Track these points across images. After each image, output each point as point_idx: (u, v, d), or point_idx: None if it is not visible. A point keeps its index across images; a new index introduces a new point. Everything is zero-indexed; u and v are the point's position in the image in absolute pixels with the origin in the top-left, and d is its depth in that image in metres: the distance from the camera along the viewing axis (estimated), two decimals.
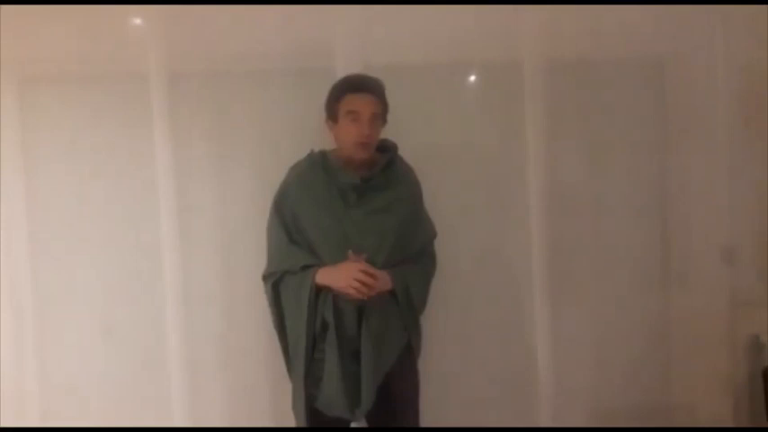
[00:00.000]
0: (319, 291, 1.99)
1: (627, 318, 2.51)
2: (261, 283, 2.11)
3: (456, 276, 2.36)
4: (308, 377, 2.01)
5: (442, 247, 2.24)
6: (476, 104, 2.45)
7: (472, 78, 2.46)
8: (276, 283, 2.06)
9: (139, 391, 2.34)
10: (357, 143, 2.00)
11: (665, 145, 2.54)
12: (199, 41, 2.30)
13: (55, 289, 2.32)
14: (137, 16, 2.27)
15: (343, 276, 1.94)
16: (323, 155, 2.10)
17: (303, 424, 2.02)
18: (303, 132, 2.19)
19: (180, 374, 2.32)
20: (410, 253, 2.10)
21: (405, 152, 2.19)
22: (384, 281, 1.99)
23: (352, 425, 2.10)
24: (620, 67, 2.51)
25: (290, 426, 2.09)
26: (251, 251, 2.22)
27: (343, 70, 2.22)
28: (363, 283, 1.93)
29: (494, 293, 2.45)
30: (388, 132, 2.15)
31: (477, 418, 2.42)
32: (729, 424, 2.49)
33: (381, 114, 2.05)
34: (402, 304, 2.05)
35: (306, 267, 2.00)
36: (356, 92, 2.01)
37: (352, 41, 2.30)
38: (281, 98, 2.33)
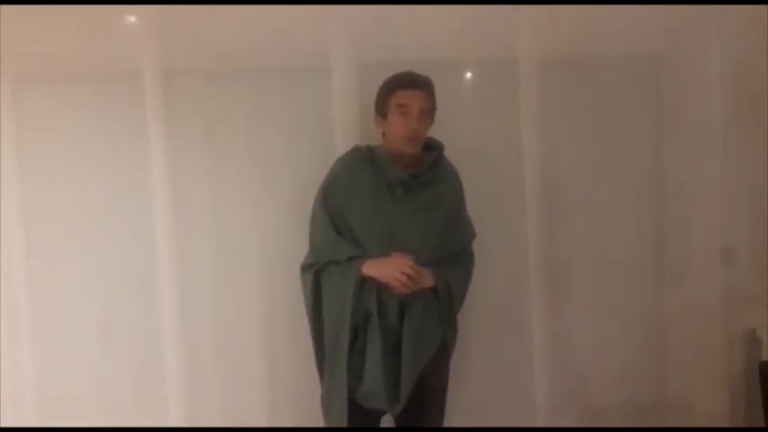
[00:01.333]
0: (364, 282, 2.01)
1: (623, 314, 2.52)
2: (257, 281, 2.12)
3: None
4: (349, 370, 2.02)
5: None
6: (472, 102, 2.45)
7: (468, 76, 2.46)
8: (318, 273, 2.07)
9: (135, 389, 2.34)
10: (405, 137, 2.04)
11: (660, 142, 2.54)
12: (194, 39, 2.29)
13: (50, 288, 2.32)
14: (131, 14, 2.26)
15: (392, 269, 1.98)
16: (370, 149, 2.13)
17: (339, 416, 2.02)
18: (299, 130, 2.19)
19: (176, 373, 2.31)
20: (451, 251, 2.13)
21: None
22: (427, 278, 2.03)
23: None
24: (617, 64, 2.51)
25: (287, 424, 2.09)
26: (247, 249, 2.22)
27: (338, 68, 2.22)
28: (409, 277, 1.95)
29: (489, 290, 2.43)
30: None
31: (473, 415, 2.42)
32: (726, 419, 2.50)
33: (430, 111, 2.09)
34: (442, 301, 2.08)
35: (351, 259, 2.02)
36: (407, 88, 2.05)
37: (347, 39, 2.30)
38: (277, 96, 2.33)
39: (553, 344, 2.45)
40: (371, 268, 2.00)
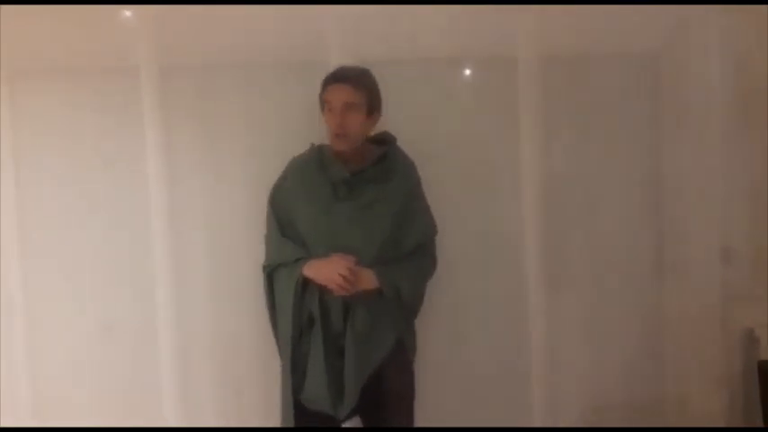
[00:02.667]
0: (307, 284, 1.99)
1: (621, 312, 2.51)
2: (253, 278, 2.11)
3: (450, 271, 2.34)
4: (296, 370, 2.00)
5: (436, 241, 2.23)
6: (470, 99, 2.44)
7: (467, 73, 2.45)
8: (270, 275, 2.07)
9: (130, 388, 2.33)
10: (333, 134, 2.00)
11: (659, 140, 2.53)
12: (190, 34, 2.29)
13: (45, 286, 2.31)
14: (127, 9, 2.24)
15: (329, 270, 1.94)
16: (319, 149, 2.10)
17: (288, 415, 2.00)
18: (296, 126, 2.18)
19: (171, 371, 2.31)
20: (404, 249, 2.07)
21: (399, 146, 2.18)
22: (368, 279, 1.98)
23: (347, 424, 2.08)
24: (615, 62, 2.51)
25: (281, 424, 2.08)
26: (243, 246, 2.21)
27: (337, 64, 2.20)
28: (345, 279, 1.92)
29: (488, 288, 2.44)
30: (381, 125, 2.14)
31: (471, 414, 2.42)
32: (724, 418, 2.49)
33: (360, 105, 2.00)
34: (391, 303, 2.02)
35: (298, 260, 2.00)
36: (333, 83, 2.01)
37: (346, 36, 2.29)
38: (274, 92, 2.32)
39: (551, 343, 2.44)
40: (311, 270, 1.97)
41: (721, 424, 2.48)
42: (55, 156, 2.29)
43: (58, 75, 2.29)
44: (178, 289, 2.30)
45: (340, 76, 2.01)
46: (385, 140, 2.12)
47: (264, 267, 2.10)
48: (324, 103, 2.02)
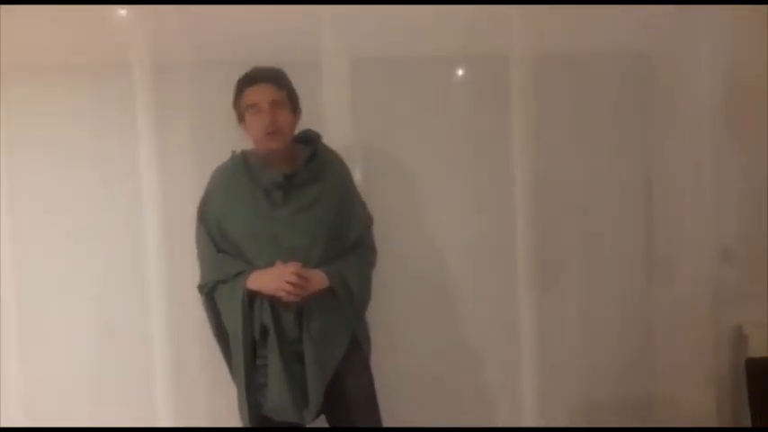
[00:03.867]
0: (254, 296, 1.94)
1: (612, 310, 2.53)
2: None
3: (440, 271, 2.38)
4: (252, 385, 1.96)
5: (426, 240, 2.25)
6: (462, 98, 2.45)
7: (459, 72, 2.46)
8: (210, 293, 2.01)
9: (123, 389, 2.32)
10: (264, 134, 1.94)
11: (650, 139, 2.55)
12: (183, 32, 2.29)
13: (37, 285, 2.30)
14: (121, 8, 2.24)
15: (274, 279, 1.89)
16: (244, 155, 2.04)
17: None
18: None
19: (164, 371, 2.31)
20: (346, 244, 2.04)
21: (391, 146, 2.18)
22: (318, 280, 1.94)
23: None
24: (607, 62, 2.52)
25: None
26: None
27: (328, 63, 2.22)
28: (295, 286, 1.87)
29: (479, 288, 2.45)
30: (372, 124, 2.17)
31: (461, 412, 2.43)
32: (713, 415, 2.51)
33: (286, 102, 1.98)
34: (342, 299, 1.99)
35: (238, 275, 1.94)
36: (252, 84, 1.97)
37: (338, 35, 2.30)
38: None
39: (541, 341, 2.45)
40: (256, 281, 1.91)
41: (711, 421, 2.51)
42: (47, 153, 2.28)
43: (51, 72, 2.28)
44: (172, 289, 2.30)
45: (259, 77, 1.97)
46: (310, 138, 2.07)
47: (201, 287, 2.03)
48: (246, 107, 1.97)
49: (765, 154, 2.58)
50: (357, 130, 2.22)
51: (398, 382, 2.25)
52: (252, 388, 1.96)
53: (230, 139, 2.29)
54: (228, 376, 2.29)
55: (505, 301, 2.46)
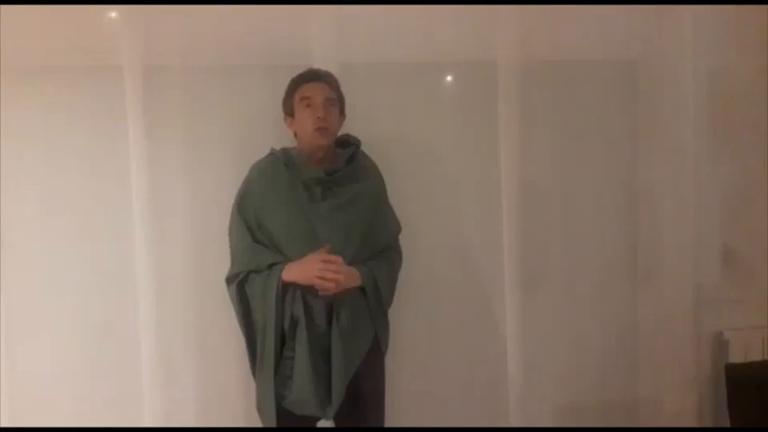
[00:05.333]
0: (287, 287, 1.98)
1: (595, 315, 2.56)
2: None
3: (427, 274, 2.39)
4: (277, 376, 2.00)
5: (413, 243, 2.26)
6: (450, 103, 2.47)
7: (447, 78, 2.48)
8: (241, 283, 2.04)
9: (110, 390, 2.32)
10: (314, 128, 2.01)
11: (634, 145, 2.58)
12: (175, 35, 2.28)
13: (25, 288, 2.29)
14: (112, 9, 2.24)
15: (308, 269, 1.94)
16: (285, 151, 2.11)
17: (271, 424, 2.00)
18: (279, 129, 2.18)
19: (152, 373, 2.29)
20: (377, 248, 2.10)
21: (379, 149, 2.20)
22: (352, 276, 1.99)
23: (322, 423, 2.10)
24: (593, 68, 2.56)
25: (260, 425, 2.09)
26: (226, 248, 2.20)
27: (319, 67, 2.21)
28: (328, 270, 1.91)
29: (465, 291, 2.48)
30: (362, 129, 2.17)
31: (446, 414, 2.44)
32: (694, 419, 2.54)
33: (336, 102, 2.08)
34: (370, 300, 2.05)
35: (272, 266, 1.99)
36: (308, 82, 2.07)
37: (328, 39, 2.30)
38: (257, 94, 2.32)
39: (526, 344, 2.46)
40: (291, 273, 1.96)
41: (691, 424, 2.53)
42: (38, 155, 2.27)
43: (42, 74, 2.27)
44: (160, 289, 2.29)
45: (316, 76, 2.08)
46: (350, 142, 2.15)
47: (231, 277, 2.06)
48: (299, 100, 2.04)
49: (749, 161, 2.62)
50: (346, 131, 2.22)
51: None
52: (277, 380, 1.99)
53: (221, 141, 2.32)
54: (215, 376, 2.33)
55: (491, 304, 2.48)
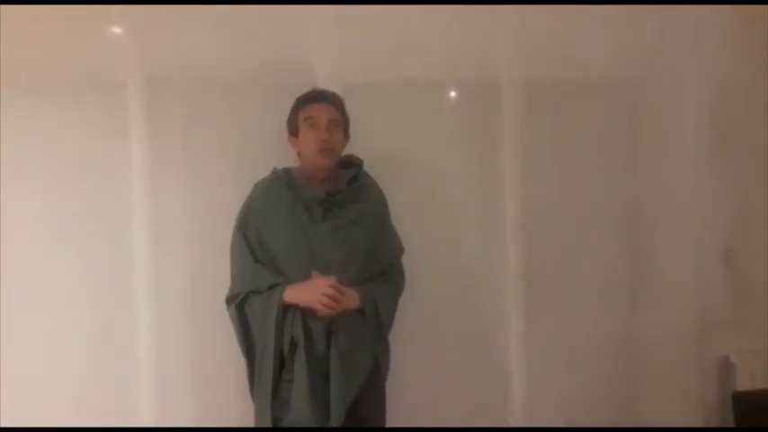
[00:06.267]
0: (287, 309, 1.96)
1: (598, 337, 2.53)
2: None
3: (429, 294, 2.36)
4: (275, 399, 1.97)
5: (416, 263, 2.24)
6: (453, 122, 2.45)
7: (450, 97, 2.47)
8: (241, 304, 2.02)
9: (107, 407, 2.28)
10: (318, 149, 2.00)
11: (637, 165, 2.57)
12: (178, 52, 2.28)
13: (24, 300, 2.26)
14: (115, 25, 2.24)
15: (312, 292, 1.92)
16: (287, 171, 2.10)
17: None
18: (281, 146, 2.17)
19: (150, 392, 2.28)
20: (378, 269, 2.09)
21: (381, 169, 2.19)
22: (352, 298, 1.97)
23: None
24: (595, 88, 2.55)
25: None
26: (226, 264, 2.18)
27: (321, 86, 2.20)
28: (331, 299, 1.91)
29: (467, 312, 2.45)
30: (364, 149, 2.16)
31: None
32: None
33: (341, 123, 2.07)
34: (370, 322, 2.03)
35: (273, 287, 1.97)
36: (313, 102, 2.06)
37: (330, 58, 2.31)
38: (259, 112, 2.31)
39: (527, 365, 2.45)
40: (293, 294, 1.95)
41: None
42: (38, 170, 2.26)
43: (45, 88, 2.26)
44: (160, 307, 2.28)
45: (321, 97, 2.07)
46: (353, 162, 2.14)
47: (231, 298, 2.05)
48: (303, 120, 2.04)
49: (750, 181, 2.61)
50: (347, 153, 2.21)
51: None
52: (275, 402, 1.97)
53: (223, 158, 2.31)
54: (217, 396, 2.31)
55: (493, 325, 2.46)
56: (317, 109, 2.04)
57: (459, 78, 2.45)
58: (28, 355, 2.27)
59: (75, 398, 2.28)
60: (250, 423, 2.08)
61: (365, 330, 2.02)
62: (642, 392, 2.56)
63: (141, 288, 2.27)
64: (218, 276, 2.11)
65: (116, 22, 2.23)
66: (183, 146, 2.30)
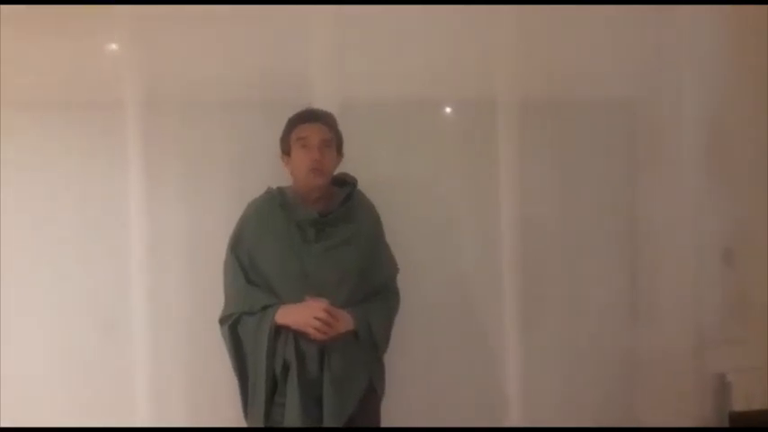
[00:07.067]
0: (279, 331, 1.95)
1: (595, 355, 2.52)
2: None
3: (426, 310, 2.36)
4: (268, 421, 1.96)
5: (413, 279, 2.24)
6: (449, 141, 2.46)
7: (447, 114, 2.48)
8: (234, 325, 2.01)
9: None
10: (309, 168, 2.00)
11: (635, 184, 2.57)
12: (175, 70, 2.30)
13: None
14: (112, 42, 2.26)
15: (305, 315, 1.92)
16: (280, 191, 2.09)
17: None
18: (278, 164, 2.17)
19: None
20: (372, 289, 2.07)
21: (378, 186, 2.20)
22: (345, 321, 1.96)
23: None
24: (593, 106, 2.55)
25: None
26: (221, 283, 2.19)
27: (319, 104, 2.22)
28: (324, 323, 1.90)
29: (463, 330, 2.44)
30: (361, 167, 2.17)
31: None
32: None
33: (333, 143, 2.06)
34: (364, 344, 2.01)
35: (266, 308, 1.96)
36: (305, 122, 2.05)
37: (328, 76, 2.32)
38: (257, 130, 2.31)
39: (525, 384, 2.44)
40: (285, 315, 1.93)
41: None
42: (35, 188, 2.26)
43: (42, 106, 2.27)
44: (155, 328, 2.28)
45: (313, 116, 2.07)
46: (346, 181, 2.13)
47: (224, 318, 2.04)
48: (296, 140, 2.03)
49: (748, 200, 2.61)
50: (343, 171, 2.21)
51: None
52: (267, 425, 1.96)
53: (220, 175, 2.32)
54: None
55: (490, 343, 2.45)
56: (310, 129, 2.03)
57: (457, 96, 2.45)
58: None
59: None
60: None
61: (359, 352, 2.01)
62: (639, 408, 2.55)
63: (137, 311, 2.27)
64: (216, 298, 2.11)
65: (114, 39, 2.25)
66: (180, 161, 2.30)
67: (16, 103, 2.23)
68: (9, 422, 2.23)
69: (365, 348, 2.02)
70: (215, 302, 2.10)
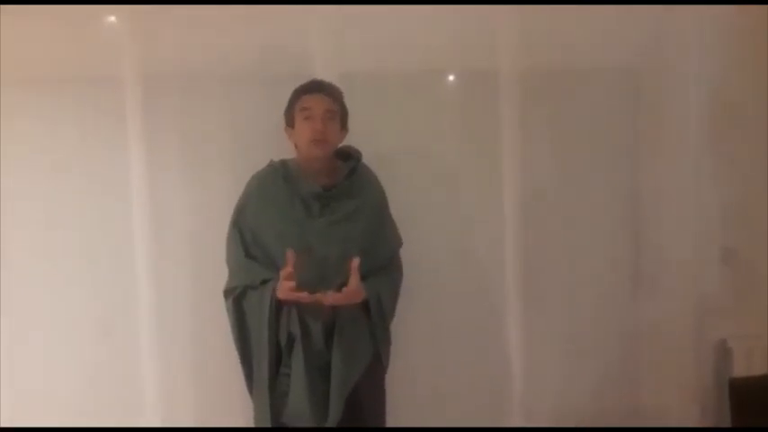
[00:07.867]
0: (281, 304, 1.95)
1: (598, 324, 2.54)
2: None
3: (428, 284, 2.37)
4: (273, 392, 1.97)
5: (415, 253, 2.24)
6: (451, 112, 2.45)
7: (448, 86, 2.46)
8: (238, 298, 2.01)
9: (108, 404, 2.31)
10: (311, 140, 1.98)
11: (637, 154, 2.57)
12: (174, 45, 2.27)
13: (24, 298, 2.28)
14: (111, 18, 2.23)
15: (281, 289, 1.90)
16: (283, 164, 2.08)
17: None
18: (279, 139, 2.16)
19: (153, 383, 2.30)
20: (377, 263, 2.06)
21: (380, 159, 2.19)
22: (359, 292, 1.95)
23: None
24: (595, 77, 2.53)
25: None
26: (224, 258, 2.20)
27: (320, 77, 2.20)
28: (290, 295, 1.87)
29: (467, 301, 2.46)
30: (363, 139, 2.15)
31: (449, 419, 2.42)
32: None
33: (337, 115, 2.04)
34: (374, 316, 2.02)
35: (265, 281, 1.96)
36: (309, 93, 2.03)
37: (328, 48, 2.30)
38: (257, 104, 2.30)
39: (528, 355, 2.46)
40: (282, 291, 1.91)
41: None
42: (36, 165, 2.27)
43: (41, 83, 2.27)
44: (160, 302, 2.29)
45: (318, 87, 2.04)
46: (351, 155, 2.11)
47: (228, 291, 2.03)
48: (299, 111, 2.01)
49: (750, 169, 2.60)
50: (345, 143, 2.21)
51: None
52: (274, 396, 1.97)
53: (221, 149, 2.32)
54: (217, 391, 2.32)
55: (493, 315, 2.47)
56: (313, 100, 2.01)
57: (459, 67, 2.43)
58: (28, 354, 2.29)
59: (75, 398, 2.30)
60: (251, 419, 2.09)
61: (366, 324, 2.02)
62: (641, 379, 2.58)
63: (142, 286, 2.29)
64: (219, 273, 2.12)
65: (112, 15, 2.22)
66: (180, 138, 2.30)
67: (15, 80, 2.22)
68: (17, 423, 2.26)
69: (375, 320, 2.03)
70: (219, 278, 2.10)
